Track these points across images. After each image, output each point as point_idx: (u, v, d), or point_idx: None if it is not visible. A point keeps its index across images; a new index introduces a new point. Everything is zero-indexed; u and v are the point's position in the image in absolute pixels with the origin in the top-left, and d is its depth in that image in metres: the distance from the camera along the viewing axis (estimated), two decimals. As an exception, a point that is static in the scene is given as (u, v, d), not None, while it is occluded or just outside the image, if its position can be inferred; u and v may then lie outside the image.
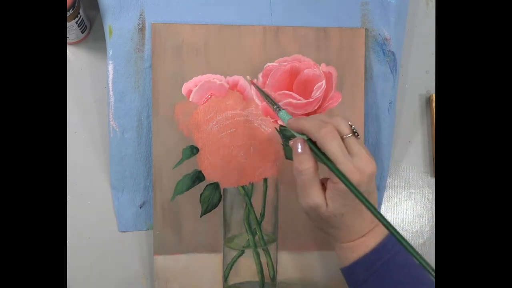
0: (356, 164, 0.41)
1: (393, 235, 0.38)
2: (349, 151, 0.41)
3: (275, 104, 0.49)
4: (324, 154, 0.41)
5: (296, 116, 0.48)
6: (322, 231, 0.46)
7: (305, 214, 0.45)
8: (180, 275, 0.54)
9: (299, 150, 0.43)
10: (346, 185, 0.40)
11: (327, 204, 0.42)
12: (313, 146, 0.42)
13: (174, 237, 0.53)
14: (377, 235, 0.44)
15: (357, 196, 0.39)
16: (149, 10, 0.53)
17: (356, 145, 0.42)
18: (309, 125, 0.43)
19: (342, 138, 0.42)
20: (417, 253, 0.37)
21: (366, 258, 0.43)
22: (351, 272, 0.44)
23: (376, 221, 0.44)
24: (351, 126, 0.43)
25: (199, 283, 0.54)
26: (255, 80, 0.53)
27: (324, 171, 0.43)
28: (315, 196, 0.42)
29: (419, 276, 0.43)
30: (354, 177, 0.40)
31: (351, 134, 0.42)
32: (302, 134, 0.44)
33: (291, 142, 0.44)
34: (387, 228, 0.38)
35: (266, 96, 0.51)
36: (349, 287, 0.46)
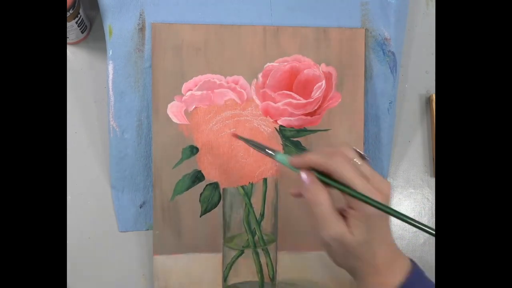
0: (374, 185, 0.40)
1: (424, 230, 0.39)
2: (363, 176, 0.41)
3: (268, 149, 0.47)
4: (338, 181, 0.41)
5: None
6: (346, 267, 0.44)
7: (326, 249, 0.43)
8: (180, 275, 0.54)
9: (309, 182, 0.42)
10: (372, 205, 0.39)
11: (351, 232, 0.41)
12: (324, 176, 0.42)
13: (174, 237, 0.53)
14: (400, 272, 0.43)
15: (388, 212, 0.39)
16: (149, 10, 0.53)
17: (368, 169, 0.41)
18: (317, 157, 0.42)
19: None
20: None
21: None
22: None
23: (397, 251, 0.44)
24: (358, 151, 0.42)
25: (198, 283, 0.54)
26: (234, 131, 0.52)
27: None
28: (337, 226, 0.41)
29: None
30: (376, 197, 0.40)
31: (361, 160, 0.42)
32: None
33: (302, 176, 0.43)
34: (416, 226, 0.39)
35: (255, 145, 0.48)
36: None
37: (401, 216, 0.39)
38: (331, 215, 0.41)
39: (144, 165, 0.54)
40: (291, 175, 0.44)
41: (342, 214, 0.42)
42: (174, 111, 0.53)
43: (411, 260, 0.44)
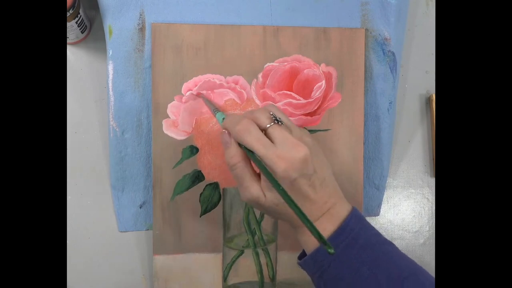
0: (281, 151, 0.40)
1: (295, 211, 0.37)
2: (272, 141, 0.41)
3: (214, 108, 0.50)
4: (246, 148, 0.41)
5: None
6: (276, 219, 0.44)
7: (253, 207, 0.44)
8: (180, 275, 0.54)
9: (227, 144, 0.43)
10: (264, 173, 0.39)
11: (264, 195, 0.42)
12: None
13: (173, 237, 0.53)
14: (336, 219, 0.42)
15: (271, 183, 0.38)
16: (149, 10, 0.53)
17: (279, 133, 0.41)
18: (228, 122, 0.43)
19: (264, 129, 0.41)
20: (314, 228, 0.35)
21: (329, 241, 0.41)
22: (314, 260, 0.43)
23: (332, 201, 0.43)
24: (272, 115, 0.42)
25: (198, 283, 0.54)
26: (197, 92, 0.53)
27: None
28: (252, 189, 0.42)
29: (382, 254, 0.42)
30: (280, 164, 0.39)
31: (272, 123, 0.41)
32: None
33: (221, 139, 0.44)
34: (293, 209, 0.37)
35: (206, 101, 0.52)
36: (312, 276, 0.44)
37: (281, 193, 0.38)
38: (246, 178, 0.42)
39: (144, 165, 0.54)
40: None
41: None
42: (174, 111, 0.53)
43: (353, 208, 0.44)
